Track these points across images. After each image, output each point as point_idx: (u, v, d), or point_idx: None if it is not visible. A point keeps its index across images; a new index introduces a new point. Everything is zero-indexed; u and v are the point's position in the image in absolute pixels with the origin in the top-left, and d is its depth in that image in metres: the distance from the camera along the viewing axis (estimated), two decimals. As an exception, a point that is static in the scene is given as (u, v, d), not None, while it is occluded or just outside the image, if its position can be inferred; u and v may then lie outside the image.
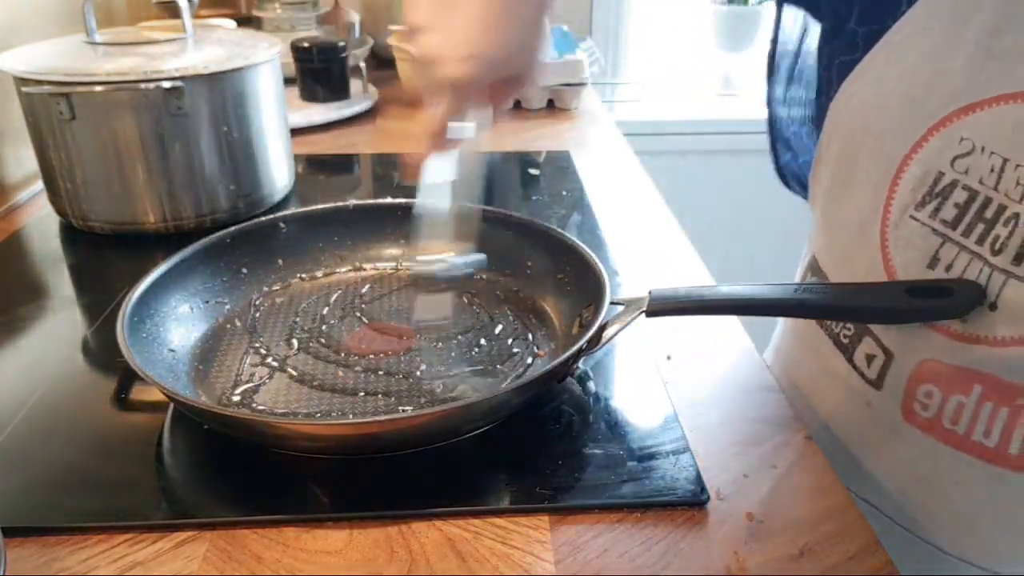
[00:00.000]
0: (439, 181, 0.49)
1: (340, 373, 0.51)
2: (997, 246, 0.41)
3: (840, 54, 0.51)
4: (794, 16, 0.59)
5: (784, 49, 0.59)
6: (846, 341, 0.51)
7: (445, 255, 0.52)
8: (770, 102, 0.61)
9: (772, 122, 0.62)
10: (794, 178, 0.63)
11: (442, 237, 0.52)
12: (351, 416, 0.47)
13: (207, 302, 0.56)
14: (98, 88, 0.64)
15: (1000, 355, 0.42)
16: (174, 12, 0.75)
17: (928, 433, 0.46)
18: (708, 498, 0.41)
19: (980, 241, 0.42)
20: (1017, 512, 0.45)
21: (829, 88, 0.52)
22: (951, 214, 0.43)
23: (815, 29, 0.56)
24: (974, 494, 0.46)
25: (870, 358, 0.49)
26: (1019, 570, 0.47)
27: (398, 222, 0.65)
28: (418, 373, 0.51)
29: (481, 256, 0.54)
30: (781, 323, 0.64)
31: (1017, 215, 0.40)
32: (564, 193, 0.84)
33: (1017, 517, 0.45)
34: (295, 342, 0.54)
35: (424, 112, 0.47)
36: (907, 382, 0.46)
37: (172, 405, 0.48)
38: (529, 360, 0.52)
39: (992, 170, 0.41)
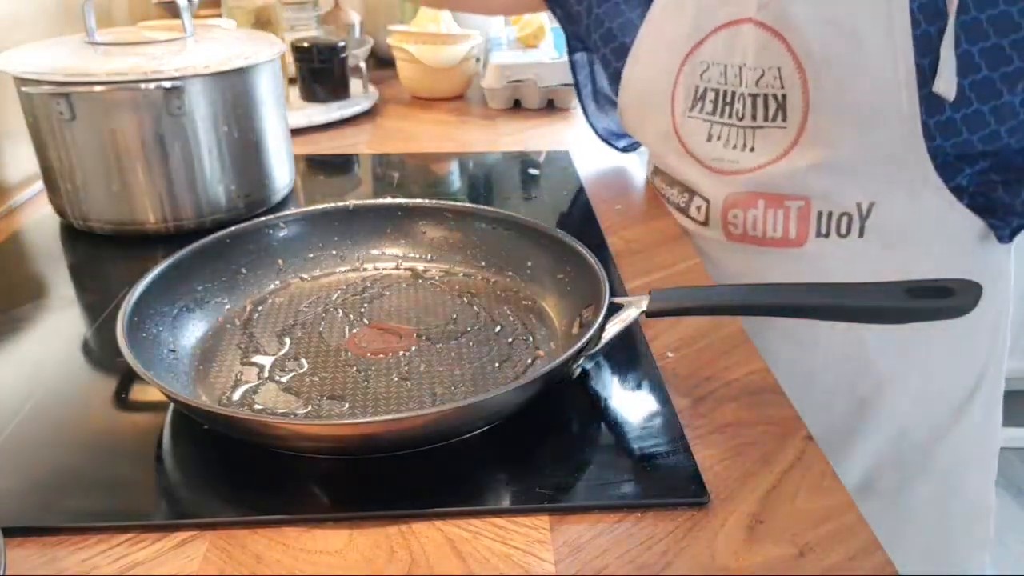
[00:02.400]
0: None
1: (340, 373, 0.51)
2: (740, 115, 0.65)
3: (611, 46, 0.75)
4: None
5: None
6: (683, 204, 0.74)
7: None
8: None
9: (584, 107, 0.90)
10: (611, 135, 0.92)
11: None
12: (351, 416, 0.47)
13: (207, 302, 0.56)
14: (98, 88, 0.64)
15: (760, 176, 0.65)
16: (174, 12, 0.75)
17: (741, 242, 0.69)
18: (708, 498, 0.41)
19: (730, 116, 0.66)
20: (807, 270, 0.66)
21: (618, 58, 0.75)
22: (710, 108, 0.67)
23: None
24: (781, 274, 0.66)
25: (699, 208, 0.71)
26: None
27: (398, 222, 0.65)
28: (418, 373, 0.51)
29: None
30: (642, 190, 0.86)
31: (744, 94, 0.64)
32: (564, 193, 0.84)
33: (806, 274, 0.65)
34: (295, 342, 0.54)
35: None
36: (722, 213, 0.69)
37: (172, 405, 0.48)
38: (529, 360, 0.52)
39: (722, 74, 0.66)
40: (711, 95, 0.67)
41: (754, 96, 0.64)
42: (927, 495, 0.73)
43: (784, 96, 0.62)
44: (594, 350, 0.48)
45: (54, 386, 0.51)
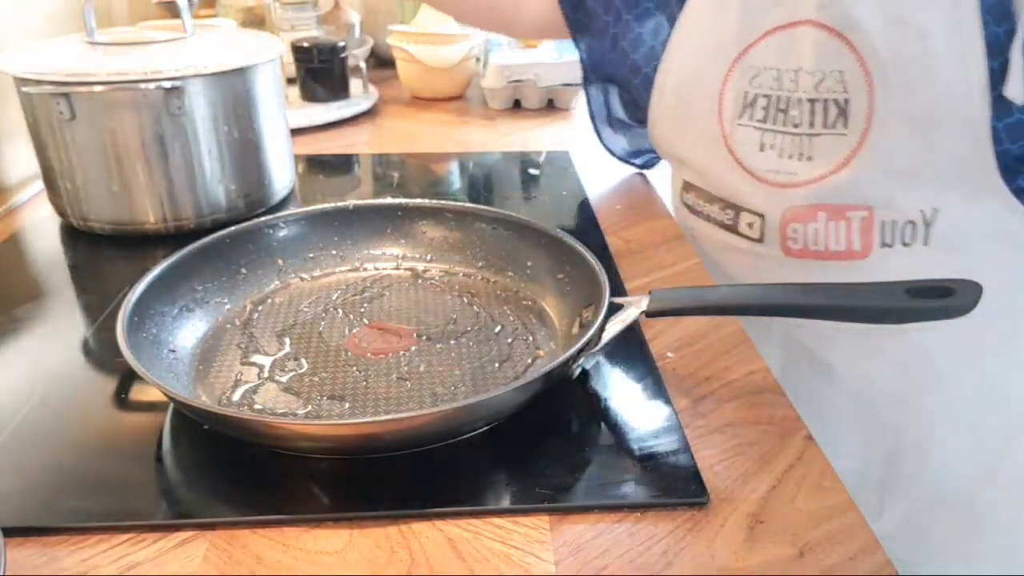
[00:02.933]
0: None
1: (340, 373, 0.51)
2: (796, 122, 0.62)
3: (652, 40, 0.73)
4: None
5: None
6: (728, 222, 0.69)
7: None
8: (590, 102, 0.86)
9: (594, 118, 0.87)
10: (630, 155, 0.89)
11: None
12: (351, 416, 0.47)
13: (207, 302, 0.56)
14: (98, 88, 0.64)
15: (820, 187, 0.62)
16: (174, 12, 0.75)
17: (802, 257, 0.65)
18: (708, 498, 0.41)
19: (784, 124, 0.63)
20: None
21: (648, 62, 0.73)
22: (762, 115, 0.64)
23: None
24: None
25: (751, 224, 0.67)
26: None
27: (398, 222, 0.65)
28: (418, 373, 0.51)
29: None
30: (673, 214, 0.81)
31: (800, 99, 0.61)
32: (564, 193, 0.84)
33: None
34: (295, 342, 0.54)
35: None
36: (780, 229, 0.65)
37: (172, 405, 0.48)
38: (529, 360, 0.52)
39: (776, 79, 0.63)
40: (762, 101, 0.64)
41: (812, 102, 0.61)
42: (1001, 497, 0.71)
43: (847, 101, 0.60)
44: (594, 350, 0.48)
45: (54, 386, 0.51)
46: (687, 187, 0.74)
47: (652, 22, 0.71)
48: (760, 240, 0.67)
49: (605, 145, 0.88)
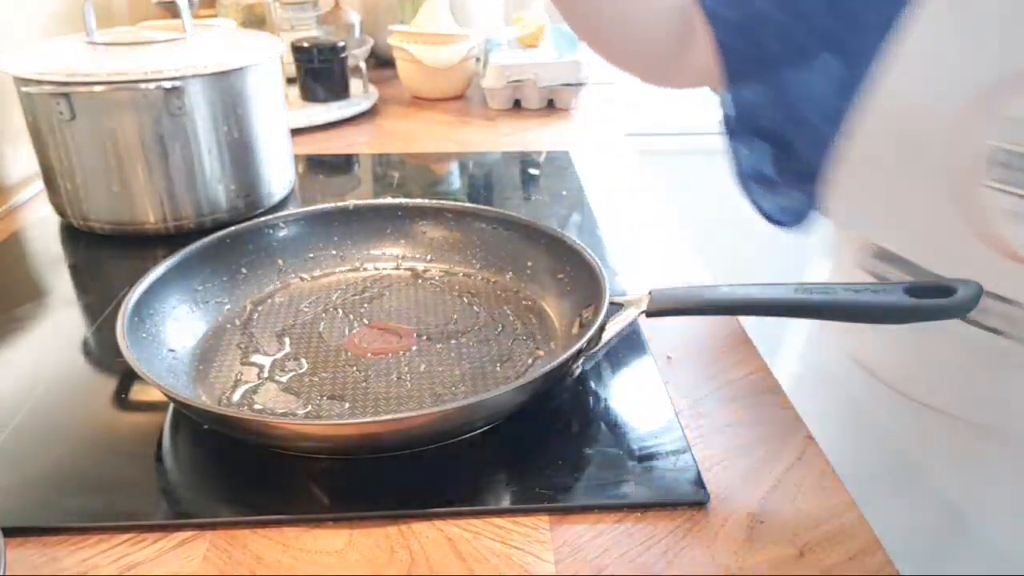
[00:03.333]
0: None
1: (340, 373, 0.51)
2: None
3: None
4: None
5: None
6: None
7: None
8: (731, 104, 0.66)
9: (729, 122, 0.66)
10: (786, 214, 0.67)
11: None
12: (351, 416, 0.47)
13: (207, 302, 0.57)
14: (98, 88, 0.64)
15: None
16: (174, 12, 0.75)
17: None
18: (708, 498, 0.41)
19: None
20: None
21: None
22: (1016, 178, 0.49)
23: None
24: None
25: (987, 310, 0.53)
26: None
27: (398, 222, 0.65)
28: (418, 373, 0.51)
29: None
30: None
31: None
32: (564, 193, 0.84)
33: None
34: (295, 342, 0.54)
35: None
36: None
37: (172, 405, 0.48)
38: (529, 360, 0.52)
39: None
40: (1019, 162, 0.50)
41: None
42: None
43: None
44: (594, 350, 0.48)
45: (54, 386, 0.51)
46: (882, 255, 0.61)
47: (839, 62, 0.57)
48: (1002, 332, 0.54)
49: (756, 204, 0.68)
